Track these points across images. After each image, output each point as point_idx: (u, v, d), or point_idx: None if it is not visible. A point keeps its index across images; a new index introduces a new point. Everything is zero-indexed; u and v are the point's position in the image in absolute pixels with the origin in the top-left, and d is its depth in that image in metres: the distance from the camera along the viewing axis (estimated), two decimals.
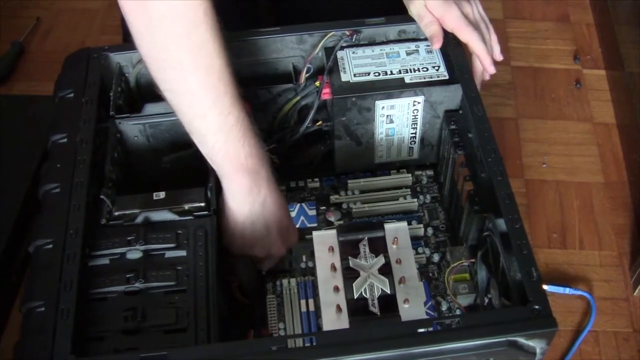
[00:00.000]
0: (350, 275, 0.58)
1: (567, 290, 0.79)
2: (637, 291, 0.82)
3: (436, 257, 0.67)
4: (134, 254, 0.55)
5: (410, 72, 0.66)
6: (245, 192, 0.56)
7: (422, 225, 0.68)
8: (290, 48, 0.68)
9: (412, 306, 0.56)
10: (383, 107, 0.66)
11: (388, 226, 0.61)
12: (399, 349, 0.47)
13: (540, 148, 0.97)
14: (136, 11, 0.50)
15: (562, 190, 0.92)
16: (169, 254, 0.55)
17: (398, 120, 0.67)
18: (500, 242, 0.55)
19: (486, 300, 0.59)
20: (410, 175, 0.72)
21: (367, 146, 0.70)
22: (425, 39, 0.68)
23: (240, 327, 0.60)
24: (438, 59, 0.67)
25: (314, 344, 0.48)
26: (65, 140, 0.60)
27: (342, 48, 0.68)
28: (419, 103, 0.66)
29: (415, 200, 0.70)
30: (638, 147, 0.90)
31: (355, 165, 0.72)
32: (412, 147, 0.71)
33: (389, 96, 0.65)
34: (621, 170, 0.94)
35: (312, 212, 0.70)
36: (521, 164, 0.95)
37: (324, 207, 0.71)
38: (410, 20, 0.68)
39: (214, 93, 0.52)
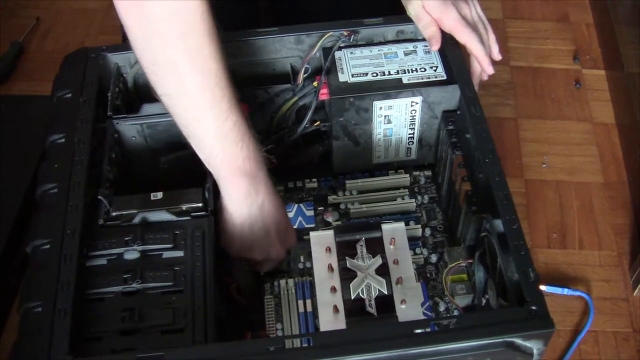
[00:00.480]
0: (347, 275, 0.58)
1: (565, 291, 0.79)
2: (636, 291, 0.82)
3: (434, 258, 0.67)
4: (132, 254, 0.55)
5: (408, 72, 0.66)
6: (243, 195, 0.56)
7: (419, 226, 0.68)
8: (288, 48, 0.68)
9: (409, 307, 0.56)
10: (381, 108, 0.66)
11: (385, 227, 0.61)
12: (395, 350, 0.47)
13: (540, 148, 0.97)
14: (132, 12, 0.50)
15: (561, 190, 0.92)
16: (166, 255, 0.56)
17: (396, 121, 0.67)
18: (497, 242, 0.55)
19: (484, 301, 0.59)
20: (408, 175, 0.72)
21: (365, 146, 0.70)
22: (423, 40, 0.68)
23: (237, 327, 0.60)
24: (436, 60, 0.67)
25: (311, 344, 0.48)
26: (62, 140, 0.60)
27: (340, 48, 0.68)
28: (416, 103, 0.66)
29: (413, 200, 0.70)
30: (637, 147, 0.90)
31: (353, 166, 0.72)
32: (410, 148, 0.71)
33: (386, 96, 0.65)
34: (621, 170, 0.94)
35: (310, 213, 0.70)
36: (521, 164, 0.95)
37: (322, 208, 0.71)
38: (408, 20, 0.67)
39: (211, 97, 0.52)
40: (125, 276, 0.54)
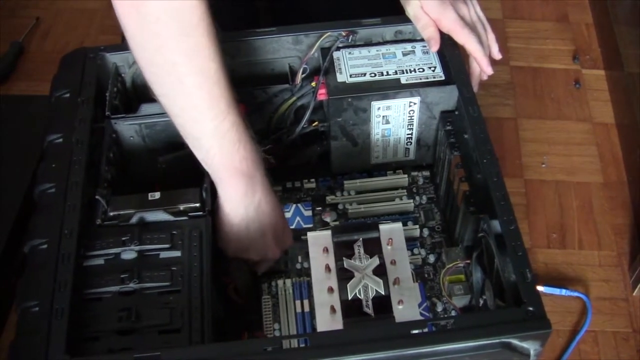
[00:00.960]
0: (344, 276, 0.58)
1: (563, 292, 0.79)
2: (636, 291, 0.82)
3: (432, 258, 0.67)
4: (129, 254, 0.55)
5: (407, 72, 0.66)
6: (240, 196, 0.56)
7: (418, 226, 0.68)
8: (286, 48, 0.68)
9: (406, 307, 0.56)
10: (379, 108, 0.66)
11: (383, 227, 0.61)
12: (392, 350, 0.47)
13: (540, 148, 0.96)
14: (130, 13, 0.50)
15: (561, 190, 0.92)
16: (163, 255, 0.56)
17: (394, 121, 0.67)
18: (495, 243, 0.55)
19: (481, 302, 0.59)
20: (406, 176, 0.72)
21: (363, 147, 0.70)
22: (422, 40, 0.68)
23: (235, 327, 0.60)
24: (434, 60, 0.67)
25: (308, 345, 0.48)
26: (60, 140, 0.60)
27: (338, 49, 0.68)
28: (415, 104, 0.66)
29: (411, 201, 0.70)
30: (637, 147, 0.90)
31: (351, 166, 0.72)
32: (408, 148, 0.71)
33: (385, 97, 0.65)
34: (620, 170, 0.94)
35: (308, 213, 0.70)
36: (520, 164, 0.94)
37: (320, 208, 0.71)
38: (407, 20, 0.67)
39: (209, 97, 0.52)
40: (122, 276, 0.54)
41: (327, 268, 0.59)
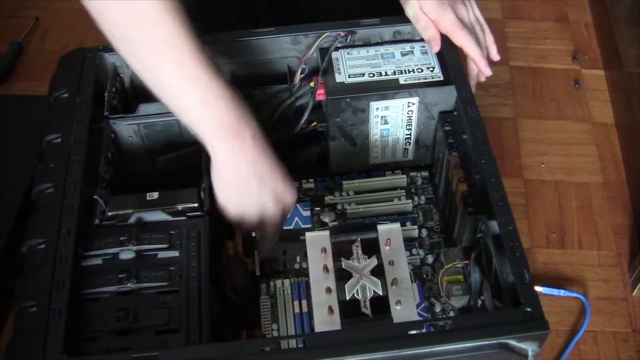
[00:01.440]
0: (342, 276, 0.58)
1: (562, 292, 0.79)
2: (635, 291, 0.82)
3: (430, 259, 0.67)
4: (127, 254, 0.55)
5: (405, 73, 0.66)
6: (231, 155, 0.55)
7: (416, 227, 0.68)
8: (285, 49, 0.68)
9: (404, 308, 0.56)
10: (378, 108, 0.66)
11: (381, 227, 0.61)
12: (390, 351, 0.47)
13: (539, 148, 0.96)
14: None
15: (560, 190, 0.92)
16: (161, 255, 0.56)
17: (393, 122, 0.67)
18: (493, 244, 0.55)
19: (480, 302, 0.59)
20: (405, 176, 0.72)
21: (361, 147, 0.70)
22: (421, 40, 0.68)
23: (233, 327, 0.60)
24: (433, 60, 0.67)
25: (306, 345, 0.48)
26: (59, 140, 0.60)
27: (336, 49, 0.68)
28: (413, 104, 0.66)
29: (410, 201, 0.70)
30: (637, 147, 0.90)
31: (350, 166, 0.72)
32: (407, 148, 0.71)
33: (383, 97, 0.65)
34: (620, 170, 0.94)
35: (307, 213, 0.70)
36: (520, 164, 0.94)
37: (319, 208, 0.71)
38: (406, 21, 0.67)
39: (178, 46, 0.51)
40: (120, 276, 0.54)
41: (325, 268, 0.59)
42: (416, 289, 0.62)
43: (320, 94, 0.66)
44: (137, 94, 0.68)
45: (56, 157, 0.59)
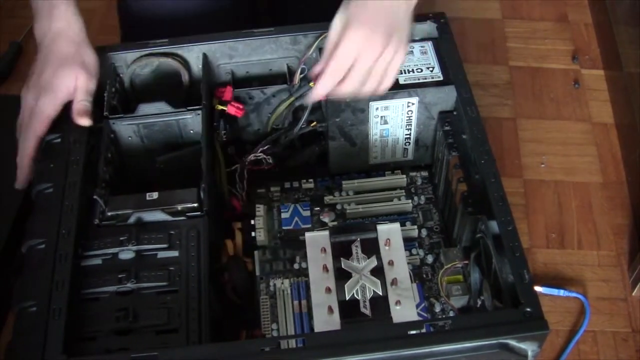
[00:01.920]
0: (342, 276, 0.58)
1: (561, 292, 0.79)
2: (635, 291, 0.81)
3: (430, 259, 0.67)
4: (127, 254, 0.55)
5: (405, 73, 0.66)
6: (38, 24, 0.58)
7: (416, 227, 0.68)
8: (284, 49, 0.68)
9: (404, 308, 0.56)
10: (377, 108, 0.66)
11: (380, 227, 0.61)
12: (390, 351, 0.47)
13: (539, 148, 0.96)
14: None
15: (560, 190, 0.92)
16: (161, 255, 0.56)
17: (392, 121, 0.67)
18: (492, 244, 0.55)
19: (479, 302, 0.59)
20: (404, 176, 0.72)
21: (361, 147, 0.70)
22: (420, 40, 0.68)
23: (232, 327, 0.60)
24: (432, 60, 0.67)
25: (305, 345, 0.48)
26: (59, 140, 0.60)
27: None
28: (413, 104, 0.66)
29: (410, 201, 0.70)
30: (636, 147, 0.89)
31: (349, 166, 0.72)
32: (407, 148, 0.71)
33: (383, 97, 0.65)
34: (620, 170, 0.94)
35: (307, 213, 0.70)
36: (519, 164, 0.94)
37: (318, 208, 0.71)
38: None
39: None
40: (120, 276, 0.54)
41: (325, 268, 0.59)
42: (416, 289, 0.62)
43: None
44: (136, 94, 0.68)
45: (56, 157, 0.59)
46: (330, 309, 0.56)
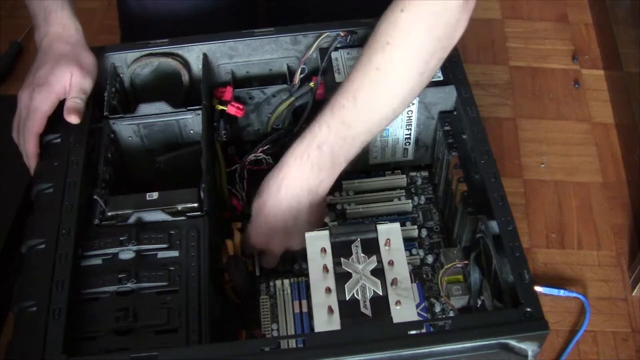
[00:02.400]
0: (342, 276, 0.58)
1: (561, 292, 0.79)
2: (635, 291, 0.82)
3: (430, 259, 0.67)
4: (127, 254, 0.55)
5: None
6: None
7: (416, 227, 0.68)
8: (284, 49, 0.68)
9: (404, 308, 0.56)
10: None
11: (381, 227, 0.61)
12: (390, 351, 0.47)
13: (539, 148, 0.96)
14: None
15: (560, 190, 0.92)
16: (161, 255, 0.56)
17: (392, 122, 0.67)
18: (492, 244, 0.55)
19: (479, 302, 0.59)
20: (404, 176, 0.72)
21: None
22: None
23: (232, 327, 0.60)
24: None
25: (305, 345, 0.48)
26: (58, 140, 0.60)
27: (336, 49, 0.68)
28: (413, 104, 0.66)
29: (410, 201, 0.70)
30: (636, 147, 0.90)
31: (349, 166, 0.72)
32: (407, 148, 0.71)
33: None
34: (619, 170, 0.94)
35: None
36: (519, 164, 0.94)
37: None
38: None
39: None
40: (120, 276, 0.54)
41: (325, 268, 0.59)
42: (416, 289, 0.62)
43: (320, 94, 0.66)
44: (136, 94, 0.68)
45: (55, 157, 0.59)
46: (330, 309, 0.56)
